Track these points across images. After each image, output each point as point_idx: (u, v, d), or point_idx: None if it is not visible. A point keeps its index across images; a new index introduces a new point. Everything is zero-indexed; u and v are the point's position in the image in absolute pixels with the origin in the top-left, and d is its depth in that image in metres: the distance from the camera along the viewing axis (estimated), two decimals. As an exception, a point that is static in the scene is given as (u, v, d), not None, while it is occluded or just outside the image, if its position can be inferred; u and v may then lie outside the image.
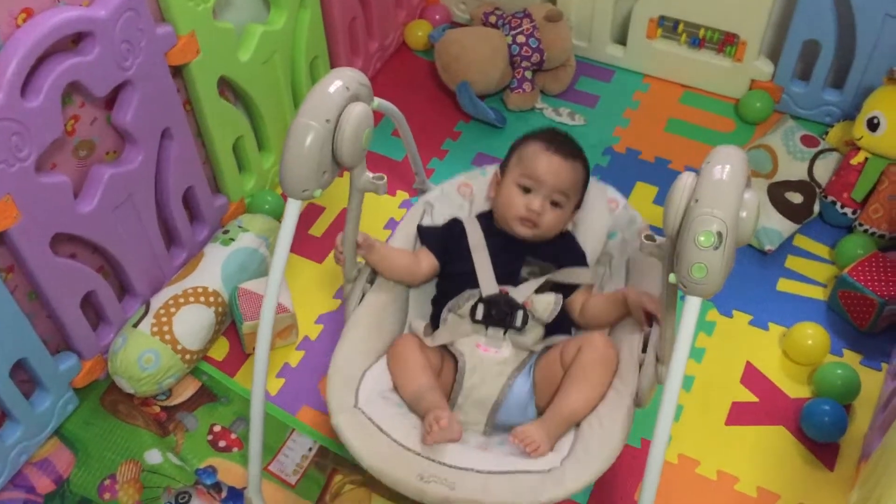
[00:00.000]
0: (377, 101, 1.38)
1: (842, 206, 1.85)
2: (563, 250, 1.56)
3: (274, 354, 1.69)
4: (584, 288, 1.53)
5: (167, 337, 1.57)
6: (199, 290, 1.65)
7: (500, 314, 1.43)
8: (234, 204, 1.85)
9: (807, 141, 1.94)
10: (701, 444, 1.56)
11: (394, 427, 1.30)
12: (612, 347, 1.40)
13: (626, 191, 1.93)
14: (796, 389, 1.64)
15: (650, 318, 1.41)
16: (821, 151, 1.91)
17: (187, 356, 1.60)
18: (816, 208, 1.88)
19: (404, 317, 1.55)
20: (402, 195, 2.00)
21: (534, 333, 1.46)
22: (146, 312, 1.60)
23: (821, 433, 1.54)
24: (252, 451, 1.33)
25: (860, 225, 1.83)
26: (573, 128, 2.14)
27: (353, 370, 1.40)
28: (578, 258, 1.56)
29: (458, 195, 1.67)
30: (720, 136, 2.11)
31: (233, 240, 1.74)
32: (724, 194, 1.10)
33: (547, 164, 1.51)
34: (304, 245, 1.90)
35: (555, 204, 1.51)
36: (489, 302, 1.44)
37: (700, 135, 2.12)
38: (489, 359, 1.42)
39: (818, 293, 1.79)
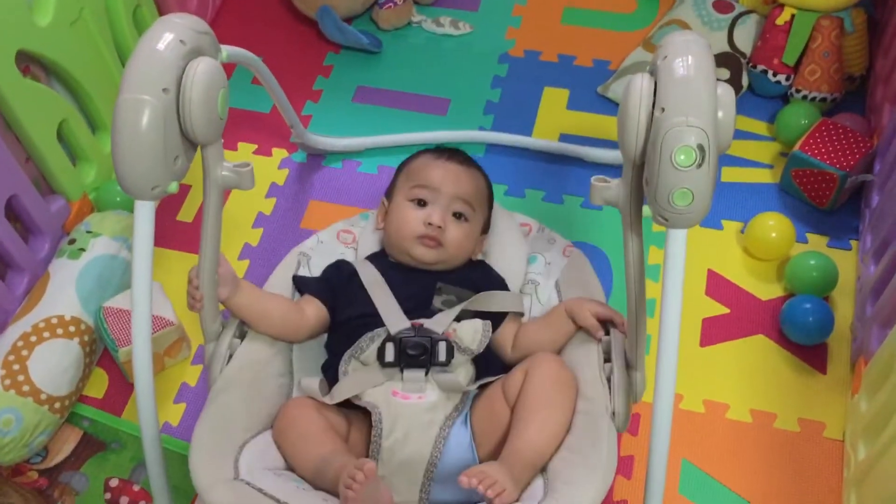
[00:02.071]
0: (225, 50, 1.07)
1: (773, 74, 1.65)
2: (480, 276, 1.31)
3: (166, 377, 1.41)
4: (512, 317, 1.28)
5: (25, 388, 1.26)
6: (54, 320, 1.32)
7: (416, 348, 1.13)
8: (75, 203, 1.51)
9: (720, 7, 1.74)
10: (679, 374, 1.30)
11: (300, 500, 1.00)
12: (566, 368, 1.15)
13: (533, 99, 1.74)
14: (768, 290, 1.46)
15: (605, 326, 1.19)
16: (738, 16, 1.72)
17: (56, 405, 1.29)
18: (745, 81, 1.69)
19: (289, 380, 1.24)
20: (279, 153, 1.69)
21: (464, 371, 1.17)
22: (-9, 363, 1.28)
23: (807, 336, 1.37)
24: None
25: (797, 91, 1.64)
26: (460, 38, 1.88)
27: (225, 446, 1.08)
28: (499, 284, 1.32)
29: (338, 243, 1.40)
30: (624, 18, 1.88)
31: (83, 249, 1.41)
32: (696, 95, 0.87)
33: (442, 171, 1.28)
34: (174, 236, 1.58)
35: (458, 216, 1.27)
36: (400, 339, 1.15)
37: (601, 21, 1.89)
38: (412, 407, 1.12)
39: (766, 176, 1.60)
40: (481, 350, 1.18)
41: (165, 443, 1.32)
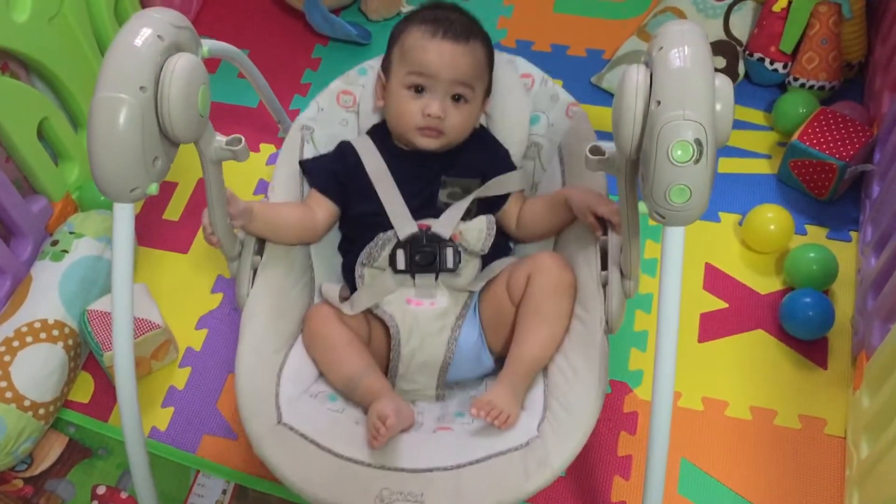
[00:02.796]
0: (207, 44, 1.04)
1: (771, 62, 1.62)
2: (484, 156, 1.31)
3: (153, 381, 1.37)
4: (517, 194, 1.30)
5: (8, 394, 1.23)
6: (37, 324, 1.29)
7: (425, 257, 1.20)
8: (58, 203, 1.47)
9: (716, -7, 1.69)
10: (677, 372, 1.33)
11: (334, 436, 1.06)
12: (567, 269, 1.17)
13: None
14: (767, 284, 1.43)
15: (603, 224, 1.17)
16: (734, 2, 1.68)
17: (41, 411, 1.26)
18: (741, 69, 1.66)
19: (311, 282, 1.28)
20: (267, 149, 1.66)
21: (470, 269, 1.23)
22: (-27, 369, 1.24)
23: (807, 330, 1.34)
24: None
25: (794, 79, 1.61)
26: (450, 28, 1.82)
27: (265, 375, 1.13)
28: (503, 161, 1.32)
29: (339, 108, 1.38)
30: (617, 6, 1.85)
31: (66, 251, 1.37)
32: (693, 88, 0.84)
33: (437, 54, 1.22)
34: (161, 235, 1.55)
35: (458, 99, 1.24)
36: (410, 245, 1.20)
37: (594, 9, 1.86)
38: (425, 314, 1.19)
39: (764, 167, 1.57)
40: (486, 250, 1.22)
41: (154, 448, 1.29)
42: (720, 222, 1.51)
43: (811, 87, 1.59)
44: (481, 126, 1.35)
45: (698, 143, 0.82)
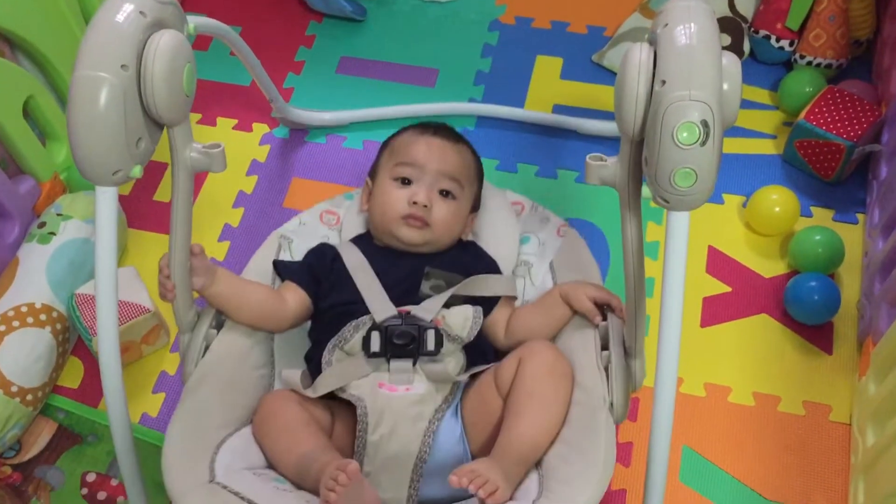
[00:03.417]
0: (193, 21, 1.00)
1: (777, 40, 1.58)
2: (470, 258, 1.24)
3: (144, 365, 1.35)
4: (505, 301, 1.21)
5: (-6, 380, 1.20)
6: (24, 308, 1.26)
7: (403, 337, 1.08)
8: (46, 184, 1.44)
9: (721, -31, 1.65)
10: (679, 358, 1.31)
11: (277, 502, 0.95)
12: (562, 356, 1.08)
13: (525, 68, 1.67)
14: (771, 267, 1.40)
15: (602, 311, 1.12)
16: (740, -22, 1.63)
17: (28, 396, 1.24)
18: (747, 47, 1.62)
19: (270, 371, 1.17)
20: (260, 128, 1.62)
21: (453, 360, 1.10)
22: (-41, 354, 1.22)
23: (811, 315, 1.31)
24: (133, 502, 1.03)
25: (801, 57, 1.57)
26: (448, 4, 1.80)
27: (200, 445, 1.01)
28: (490, 266, 1.25)
29: (321, 225, 1.33)
30: (618, -19, 1.79)
31: (53, 233, 1.34)
32: (699, 66, 0.81)
33: (426, 146, 1.22)
34: (151, 217, 1.51)
35: (445, 194, 1.20)
36: (386, 327, 1.09)
37: (596, -16, 1.80)
38: (399, 399, 1.05)
39: (769, 147, 1.54)
40: (472, 338, 1.11)
41: (144, 435, 1.27)
42: (724, 204, 1.47)
43: (818, 66, 1.55)
44: (470, 241, 1.29)
45: (705, 124, 0.79)
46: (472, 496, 0.94)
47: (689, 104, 0.78)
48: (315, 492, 0.95)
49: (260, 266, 1.25)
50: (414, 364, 1.08)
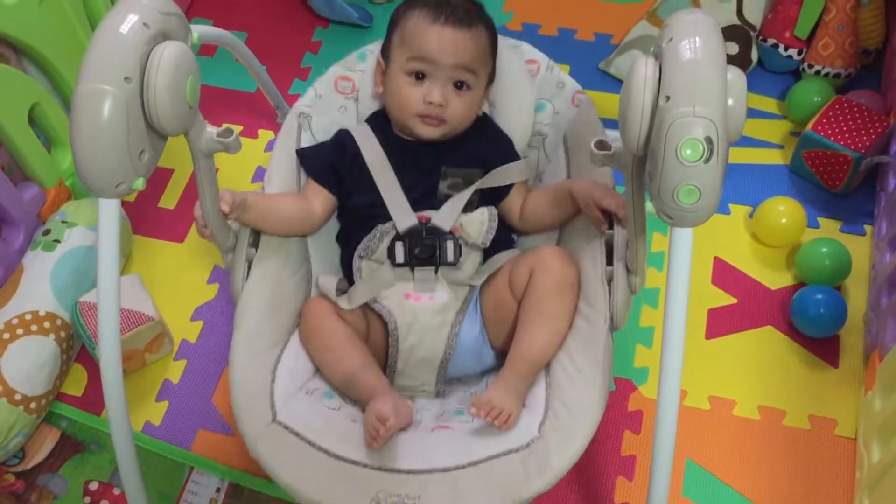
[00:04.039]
0: (198, 30, 1.00)
1: (785, 48, 1.57)
2: (486, 145, 1.26)
3: (147, 374, 1.35)
4: (520, 185, 1.26)
5: (-2, 388, 1.20)
6: (28, 316, 1.26)
7: (425, 250, 1.16)
8: (51, 191, 1.44)
9: (729, -24, 1.64)
10: (683, 370, 1.30)
11: (330, 435, 1.03)
12: (570, 264, 1.13)
13: (532, 76, 1.62)
14: (777, 279, 1.39)
15: (609, 217, 1.12)
16: (748, -14, 1.62)
17: (32, 404, 1.24)
18: (755, 55, 1.61)
19: (308, 274, 1.24)
20: (266, 135, 1.62)
21: (471, 262, 1.19)
22: (-37, 362, 1.22)
23: (818, 328, 1.30)
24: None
25: (809, 66, 1.56)
26: (454, 11, 1.77)
27: (259, 372, 1.09)
28: (506, 150, 1.27)
29: (337, 95, 1.32)
30: (626, -11, 1.79)
31: (58, 241, 1.34)
32: (704, 82, 0.80)
33: (438, 39, 1.18)
34: (156, 224, 1.51)
35: (460, 86, 1.20)
36: (409, 237, 1.16)
37: (603, -9, 1.80)
38: (424, 309, 1.15)
39: (776, 157, 1.53)
40: (488, 243, 1.18)
41: (147, 444, 1.27)
42: (730, 214, 1.46)
43: (826, 75, 1.55)
44: (484, 114, 1.30)
45: (709, 141, 0.78)
46: (489, 372, 1.18)
47: (693, 121, 0.78)
48: (360, 404, 1.10)
49: (284, 154, 1.25)
50: (436, 272, 1.16)
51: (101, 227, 0.90)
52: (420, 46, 1.18)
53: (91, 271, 1.35)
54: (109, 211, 0.89)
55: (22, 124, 1.35)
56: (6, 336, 1.24)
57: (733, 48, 1.58)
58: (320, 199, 1.23)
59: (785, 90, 1.59)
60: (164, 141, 0.93)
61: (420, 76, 1.19)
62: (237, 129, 1.58)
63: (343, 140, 1.26)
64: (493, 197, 1.23)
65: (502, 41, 1.29)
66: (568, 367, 1.07)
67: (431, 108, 1.19)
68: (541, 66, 1.32)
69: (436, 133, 1.21)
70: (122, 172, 0.86)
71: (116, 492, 1.24)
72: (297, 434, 1.02)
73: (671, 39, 0.82)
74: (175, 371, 1.35)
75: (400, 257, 1.16)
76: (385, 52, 1.26)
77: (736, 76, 0.84)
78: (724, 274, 1.40)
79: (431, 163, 1.22)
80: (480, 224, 1.18)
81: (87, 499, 1.24)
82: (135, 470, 1.04)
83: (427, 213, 1.18)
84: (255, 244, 1.18)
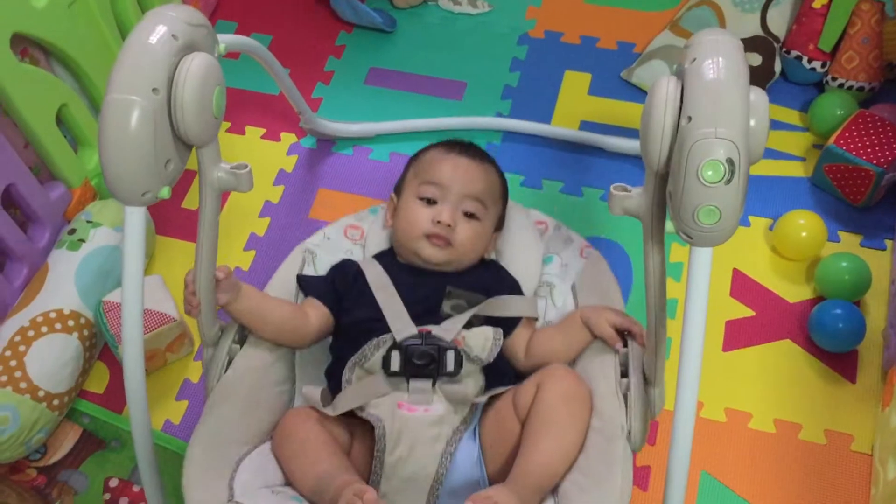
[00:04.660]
0: (225, 40, 1.00)
1: (808, 60, 1.56)
2: (491, 278, 1.24)
3: (168, 373, 1.37)
4: (526, 322, 1.21)
5: (22, 385, 1.22)
6: (52, 314, 1.28)
7: (423, 358, 1.08)
8: (77, 190, 1.46)
9: (754, -13, 1.63)
10: (699, 381, 1.30)
11: None
12: (580, 379, 1.08)
13: (554, 83, 1.67)
14: (796, 292, 1.39)
15: (623, 337, 1.11)
16: (773, -3, 1.61)
17: (55, 401, 1.26)
18: (778, 67, 1.60)
19: (291, 391, 1.19)
20: (288, 138, 1.63)
21: (472, 381, 1.10)
22: (-12, 358, 1.24)
23: (836, 342, 1.30)
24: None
25: (833, 79, 1.55)
26: (478, 17, 1.80)
27: (220, 462, 1.03)
28: (512, 286, 1.24)
29: (345, 240, 1.33)
30: (650, -2, 1.79)
31: (83, 240, 1.36)
32: (727, 103, 0.80)
33: (451, 167, 1.22)
34: (179, 224, 1.53)
35: (469, 216, 1.20)
36: (406, 347, 1.09)
37: (627, 0, 1.80)
38: (417, 420, 1.06)
39: (798, 169, 1.52)
40: (492, 359, 1.10)
41: (166, 442, 1.28)
42: (750, 226, 1.46)
43: (850, 88, 1.54)
44: (492, 260, 1.29)
45: (730, 162, 0.78)
46: None
47: (715, 142, 0.78)
48: None
49: (284, 279, 1.25)
50: (433, 384, 1.08)
51: (127, 235, 0.91)
52: (434, 173, 1.21)
53: (115, 271, 1.37)
54: (135, 219, 0.91)
55: (50, 125, 1.37)
56: (31, 333, 1.26)
57: (757, 59, 1.58)
58: (316, 313, 1.18)
59: (808, 102, 1.58)
60: (189, 150, 0.94)
61: (431, 202, 1.21)
62: (261, 134, 1.62)
63: (345, 266, 1.25)
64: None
65: (512, 204, 1.31)
66: (581, 482, 1.00)
67: (440, 228, 1.18)
68: (549, 226, 1.34)
69: (441, 256, 1.20)
70: (149, 181, 0.87)
71: (136, 489, 1.26)
72: None
73: (694, 60, 0.83)
74: (195, 371, 1.37)
75: (395, 365, 1.08)
76: (398, 188, 1.28)
77: (758, 97, 0.84)
78: (742, 286, 1.40)
79: (435, 285, 1.19)
80: (485, 340, 1.11)
81: (107, 495, 1.26)
82: (154, 468, 1.05)
83: (428, 327, 1.12)
84: (240, 342, 1.14)
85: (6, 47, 1.24)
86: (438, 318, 1.15)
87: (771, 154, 1.54)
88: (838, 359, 1.31)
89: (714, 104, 0.79)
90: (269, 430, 1.12)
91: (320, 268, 1.29)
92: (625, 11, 1.77)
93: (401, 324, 1.12)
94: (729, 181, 0.79)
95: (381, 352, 1.10)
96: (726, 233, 0.83)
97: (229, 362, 1.12)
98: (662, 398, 1.06)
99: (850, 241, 1.43)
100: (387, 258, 1.26)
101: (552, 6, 1.80)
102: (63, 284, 1.32)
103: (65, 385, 1.27)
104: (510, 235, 1.31)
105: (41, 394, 1.24)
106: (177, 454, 1.27)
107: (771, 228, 1.44)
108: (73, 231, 1.38)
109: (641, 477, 1.22)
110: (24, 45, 1.33)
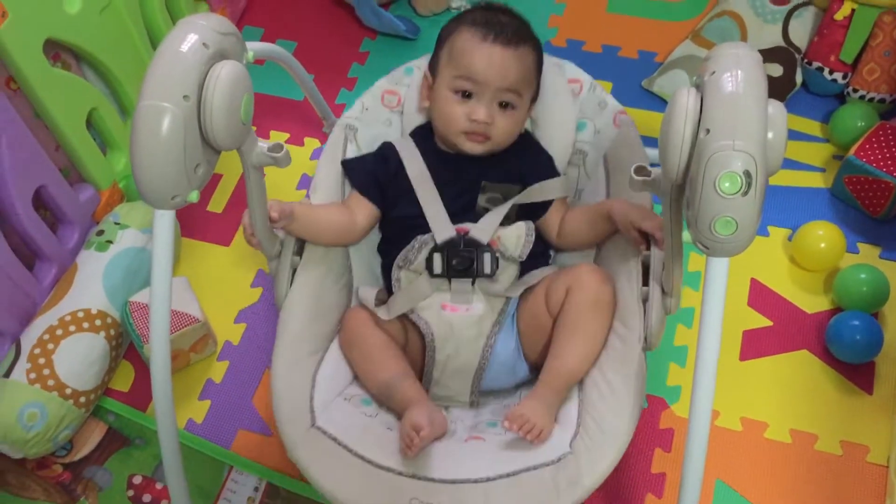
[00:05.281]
0: (253, 48, 1.03)
1: (830, 72, 1.57)
2: (527, 161, 1.29)
3: (191, 373, 1.39)
4: (559, 202, 1.28)
5: (50, 382, 1.25)
6: (80, 314, 1.31)
7: (463, 262, 1.17)
8: (105, 192, 1.49)
9: (775, -3, 1.64)
10: (716, 390, 1.31)
11: (366, 442, 1.06)
12: (606, 283, 1.15)
13: (575, 92, 1.64)
14: (814, 303, 1.39)
15: (647, 238, 1.14)
16: (795, 8, 1.63)
17: (81, 399, 1.29)
18: (799, 78, 1.61)
19: (349, 284, 1.28)
20: (312, 143, 1.66)
21: (507, 275, 1.21)
22: (17, 355, 1.27)
23: (853, 354, 1.30)
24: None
25: (854, 91, 1.56)
26: (500, 25, 1.80)
27: (300, 377, 1.13)
28: (546, 167, 1.30)
29: (383, 108, 1.36)
30: (672, 7, 1.80)
31: (110, 242, 1.39)
32: (745, 116, 0.82)
33: (486, 60, 1.20)
34: (204, 226, 1.56)
35: (505, 106, 1.23)
36: (447, 249, 1.18)
37: (648, 10, 1.81)
38: (460, 321, 1.18)
39: (817, 180, 1.53)
40: (524, 256, 1.19)
41: (189, 441, 1.31)
42: (769, 236, 1.47)
43: (871, 100, 1.54)
44: (526, 131, 1.33)
45: (747, 174, 0.80)
46: (523, 385, 1.21)
47: (733, 154, 0.80)
48: (397, 413, 1.13)
49: (329, 163, 1.30)
50: (472, 283, 1.18)
51: (156, 237, 0.94)
52: (468, 66, 1.21)
53: (141, 272, 1.40)
54: (164, 222, 0.93)
55: (80, 128, 1.41)
56: (59, 332, 1.29)
57: (778, 70, 1.58)
58: (363, 210, 1.26)
59: (828, 114, 1.58)
60: (218, 155, 0.97)
61: (466, 94, 1.22)
62: (285, 139, 1.65)
63: (386, 153, 1.29)
64: (531, 212, 1.25)
65: (547, 59, 1.31)
66: (601, 385, 1.09)
67: (477, 125, 1.22)
68: (584, 85, 1.34)
69: (480, 149, 1.24)
70: (178, 185, 0.90)
71: (159, 486, 1.29)
72: (334, 439, 1.06)
73: (713, 73, 0.84)
74: (218, 371, 1.39)
75: (438, 268, 1.18)
76: (432, 67, 1.29)
77: (776, 110, 0.86)
78: (760, 296, 1.41)
79: (472, 177, 1.25)
80: (518, 238, 1.20)
81: (131, 492, 1.29)
82: (179, 466, 1.08)
83: (466, 226, 1.20)
84: (299, 252, 1.22)
85: (39, 52, 1.28)
86: (475, 215, 1.22)
87: (791, 164, 1.54)
88: (855, 370, 1.32)
89: (732, 117, 0.81)
90: (335, 329, 1.22)
91: (362, 143, 1.33)
92: (647, 21, 1.78)
93: (440, 225, 1.20)
94: (746, 193, 0.80)
95: (424, 253, 1.19)
96: (743, 243, 0.84)
97: (293, 274, 1.19)
98: (677, 304, 1.12)
99: (868, 253, 1.43)
100: (424, 138, 1.30)
101: (574, 15, 1.82)
102: (91, 285, 1.35)
103: (91, 383, 1.30)
104: (545, 102, 1.32)
105: (68, 391, 1.27)
106: (200, 453, 1.30)
107: (790, 239, 1.45)
108: (101, 232, 1.41)
109: (656, 484, 1.23)
110: (57, 50, 1.36)
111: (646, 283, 1.13)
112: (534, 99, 1.29)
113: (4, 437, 1.23)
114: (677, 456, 1.25)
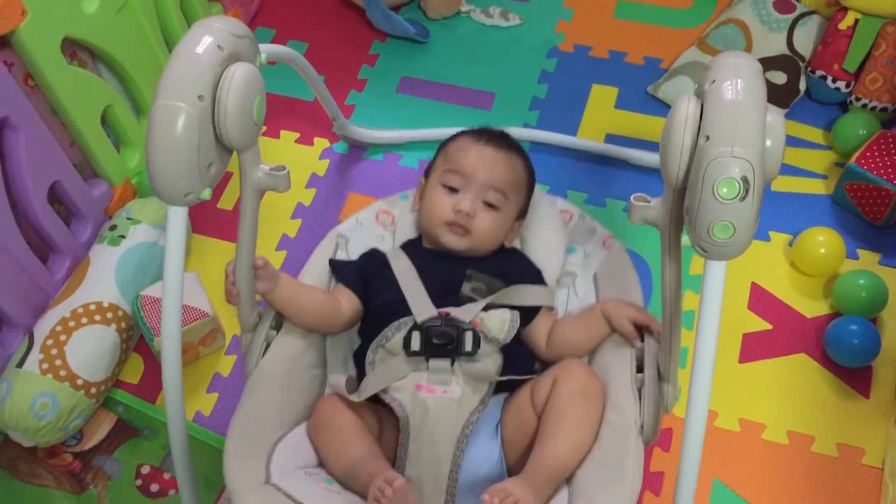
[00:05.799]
0: (266, 50, 1.05)
1: (833, 80, 1.59)
2: (513, 266, 1.28)
3: (200, 366, 1.42)
4: (546, 311, 1.25)
5: (62, 373, 1.28)
6: (92, 307, 1.34)
7: (442, 338, 1.12)
8: (118, 188, 1.52)
9: (781, 6, 1.67)
10: (714, 391, 1.27)
11: None
12: (595, 377, 1.13)
13: (581, 96, 1.70)
14: (813, 307, 1.41)
15: (641, 331, 1.15)
16: (800, 16, 1.65)
17: (92, 389, 1.31)
18: (802, 85, 1.63)
19: (322, 375, 1.24)
20: (321, 143, 1.68)
21: (491, 361, 1.14)
22: (30, 346, 1.30)
23: (851, 358, 1.32)
24: (184, 496, 1.11)
25: (857, 99, 1.58)
26: (509, 29, 1.84)
27: (258, 442, 1.09)
28: (533, 276, 1.28)
29: (376, 225, 1.38)
30: (678, 14, 1.82)
31: (123, 236, 1.42)
32: (743, 123, 0.83)
33: (476, 156, 1.25)
34: (214, 223, 1.59)
35: (489, 206, 1.24)
36: (427, 327, 1.14)
37: (655, 16, 1.83)
38: (437, 403, 1.09)
39: (819, 187, 1.55)
40: (508, 341, 1.15)
41: (196, 433, 1.33)
42: (770, 241, 1.49)
43: (873, 109, 1.56)
44: (513, 248, 1.33)
45: (745, 180, 0.82)
46: None
47: (731, 160, 0.81)
48: (362, 495, 1.02)
49: (318, 263, 1.30)
50: (452, 364, 1.12)
51: (169, 233, 0.96)
52: (458, 160, 1.25)
53: (152, 267, 1.42)
54: (177, 218, 0.96)
55: (95, 125, 1.43)
56: (72, 324, 1.32)
57: (782, 78, 1.61)
58: (347, 301, 1.24)
59: (831, 121, 1.60)
60: (230, 155, 0.99)
61: (454, 189, 1.25)
62: (295, 138, 1.67)
63: (374, 253, 1.30)
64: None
65: (538, 192, 1.34)
66: (593, 472, 1.04)
67: (459, 216, 1.22)
68: (574, 215, 1.37)
69: (461, 244, 1.24)
70: (192, 183, 0.92)
71: (167, 476, 1.31)
72: (290, 497, 1.00)
73: (714, 81, 0.86)
74: (226, 365, 1.42)
75: (416, 345, 1.12)
76: (427, 172, 1.32)
77: (775, 118, 0.87)
78: (760, 299, 1.43)
79: (456, 269, 1.24)
80: (502, 322, 1.15)
81: (139, 481, 1.31)
82: (186, 457, 1.09)
83: (448, 309, 1.17)
84: (277, 328, 1.20)
85: (57, 50, 1.31)
86: (458, 301, 1.19)
87: (793, 171, 1.56)
88: (853, 374, 1.34)
89: (731, 124, 0.83)
90: (304, 412, 1.17)
91: (352, 253, 1.33)
92: (653, 27, 1.81)
93: (422, 306, 1.17)
94: (743, 198, 0.82)
95: (403, 332, 1.15)
96: (740, 247, 0.86)
97: (267, 346, 1.18)
98: (675, 394, 1.09)
99: (868, 259, 1.45)
100: (414, 246, 1.31)
101: (582, 20, 1.84)
102: (103, 278, 1.38)
103: (102, 374, 1.33)
104: (535, 224, 1.34)
105: (80, 382, 1.29)
106: (207, 444, 1.32)
107: (790, 244, 1.47)
108: (113, 227, 1.44)
109: (654, 482, 1.25)
110: (73, 49, 1.39)
111: (640, 371, 1.11)
112: (521, 214, 1.30)
113: (17, 424, 1.25)
114: (675, 455, 1.27)
